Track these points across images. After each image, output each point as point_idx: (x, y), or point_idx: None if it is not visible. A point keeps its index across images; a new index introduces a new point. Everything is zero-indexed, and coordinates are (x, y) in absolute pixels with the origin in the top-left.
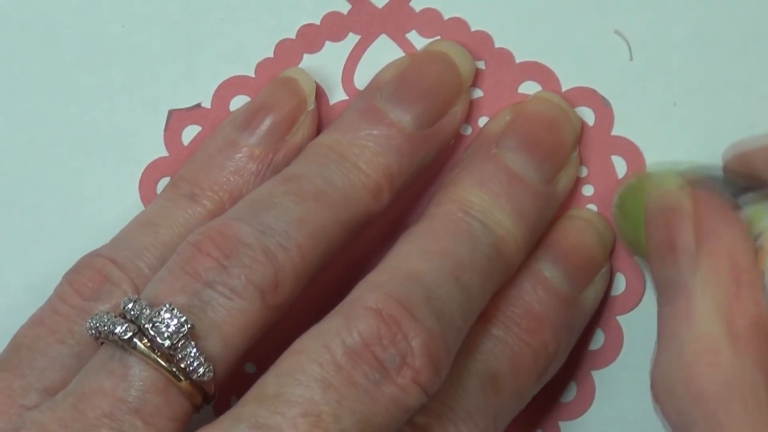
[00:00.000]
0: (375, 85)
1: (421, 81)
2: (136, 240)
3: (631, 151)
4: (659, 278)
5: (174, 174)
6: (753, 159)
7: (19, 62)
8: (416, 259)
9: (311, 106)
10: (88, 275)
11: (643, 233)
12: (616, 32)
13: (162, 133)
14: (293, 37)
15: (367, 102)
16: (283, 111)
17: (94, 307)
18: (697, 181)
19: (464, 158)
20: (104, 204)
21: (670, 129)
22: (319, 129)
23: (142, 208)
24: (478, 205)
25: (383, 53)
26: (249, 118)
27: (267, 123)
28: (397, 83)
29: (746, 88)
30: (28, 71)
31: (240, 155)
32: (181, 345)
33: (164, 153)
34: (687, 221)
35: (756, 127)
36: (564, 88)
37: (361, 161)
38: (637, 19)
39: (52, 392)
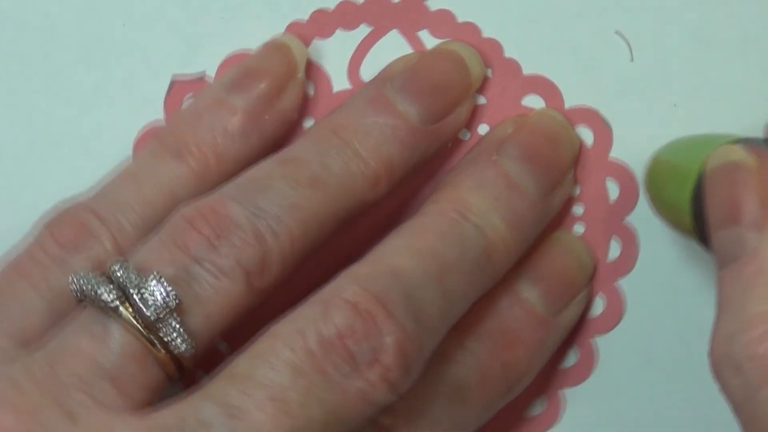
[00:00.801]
0: (385, 75)
1: (433, 76)
2: (120, 195)
3: (625, 176)
4: (720, 241)
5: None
6: None
7: (18, 61)
8: (402, 255)
9: (301, 73)
10: (69, 226)
11: (686, 208)
12: (617, 32)
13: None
14: (306, 19)
15: (377, 90)
16: (273, 76)
17: (72, 257)
18: (751, 143)
19: (463, 162)
20: None
21: (669, 129)
22: (316, 115)
23: None
24: (475, 206)
25: (393, 48)
26: (239, 80)
27: (257, 87)
28: (408, 75)
29: (746, 89)
30: (27, 70)
31: (228, 116)
32: (165, 318)
33: None
34: (751, 184)
35: (756, 127)
36: (567, 106)
37: (363, 149)
38: (637, 19)
39: (21, 338)
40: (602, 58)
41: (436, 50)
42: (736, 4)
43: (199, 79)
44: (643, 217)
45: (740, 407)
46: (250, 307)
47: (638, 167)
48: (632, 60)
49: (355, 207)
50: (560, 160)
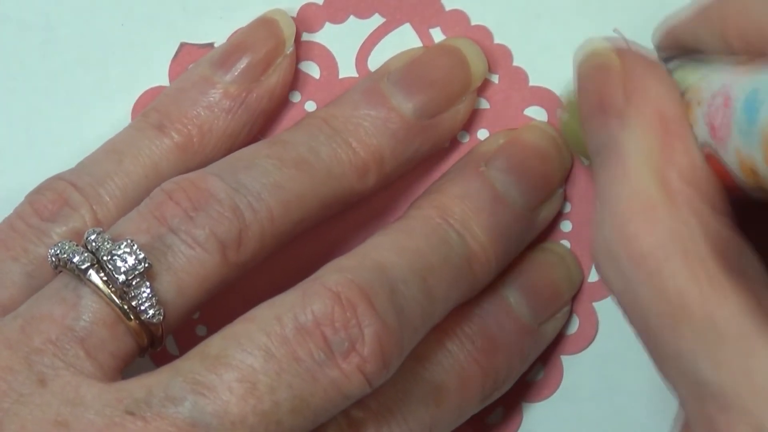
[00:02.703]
0: (385, 69)
1: (430, 72)
2: (99, 167)
3: None
4: (593, 143)
5: None
6: (676, 30)
7: (18, 61)
8: (387, 251)
9: (290, 49)
10: (49, 197)
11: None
12: (615, 31)
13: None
14: (320, 3)
15: (373, 84)
16: (261, 52)
17: (51, 228)
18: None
19: (451, 171)
20: None
21: None
22: (320, 100)
23: None
24: (458, 215)
25: (403, 42)
26: (226, 56)
27: (243, 63)
28: (406, 70)
29: None
30: (27, 70)
31: (214, 91)
32: (136, 283)
33: None
34: (615, 78)
35: None
36: None
37: (352, 138)
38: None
39: (0, 307)
40: None
41: (438, 46)
42: None
43: (209, 46)
44: None
45: (620, 294)
46: (225, 282)
47: None
48: None
49: (342, 195)
50: (549, 175)
